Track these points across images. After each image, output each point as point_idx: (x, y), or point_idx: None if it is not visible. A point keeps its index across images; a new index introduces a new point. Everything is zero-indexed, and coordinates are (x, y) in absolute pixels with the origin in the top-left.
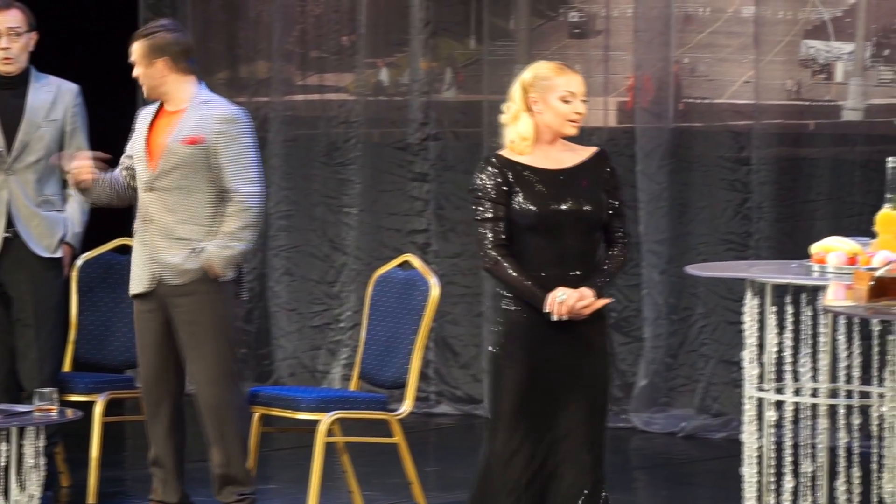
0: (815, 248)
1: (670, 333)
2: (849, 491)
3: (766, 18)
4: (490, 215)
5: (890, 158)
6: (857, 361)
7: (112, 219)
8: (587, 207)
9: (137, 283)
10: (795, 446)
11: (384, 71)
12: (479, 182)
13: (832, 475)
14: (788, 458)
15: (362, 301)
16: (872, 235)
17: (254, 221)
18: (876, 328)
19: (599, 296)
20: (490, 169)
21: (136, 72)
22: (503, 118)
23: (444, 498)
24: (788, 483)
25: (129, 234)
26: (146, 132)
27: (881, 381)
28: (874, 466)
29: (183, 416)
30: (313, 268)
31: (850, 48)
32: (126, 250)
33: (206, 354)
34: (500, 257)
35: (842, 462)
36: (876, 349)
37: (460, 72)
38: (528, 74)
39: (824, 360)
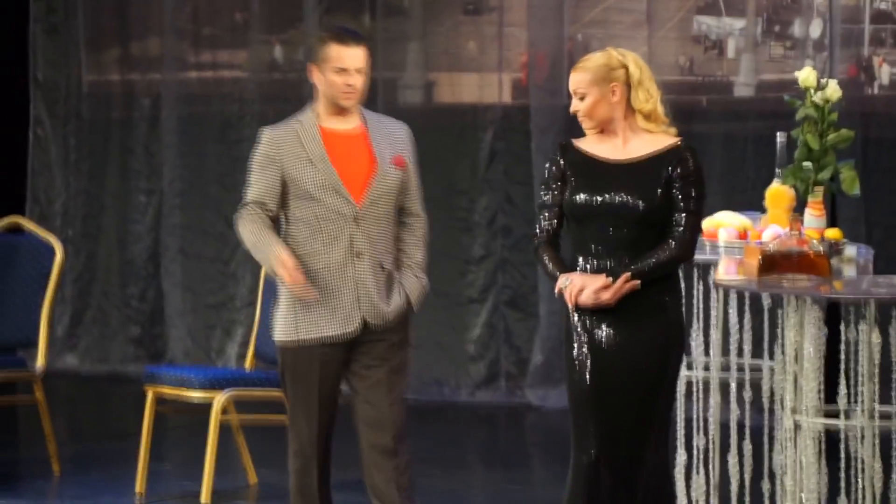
0: (707, 223)
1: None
2: (740, 465)
3: None
4: (542, 202)
5: (779, 133)
6: (748, 336)
7: (1, 198)
8: (633, 201)
9: (342, 324)
10: (688, 421)
11: (278, 48)
12: (545, 168)
13: (724, 449)
14: (681, 433)
15: (257, 280)
16: (764, 210)
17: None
18: (766, 303)
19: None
20: (553, 156)
21: (362, 79)
22: None
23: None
24: (681, 458)
25: (20, 212)
26: (328, 158)
27: (772, 355)
28: (765, 440)
29: None
30: (208, 246)
31: (742, 24)
32: (17, 230)
33: (398, 390)
34: (538, 246)
35: (733, 436)
36: (766, 324)
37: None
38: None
39: (716, 335)
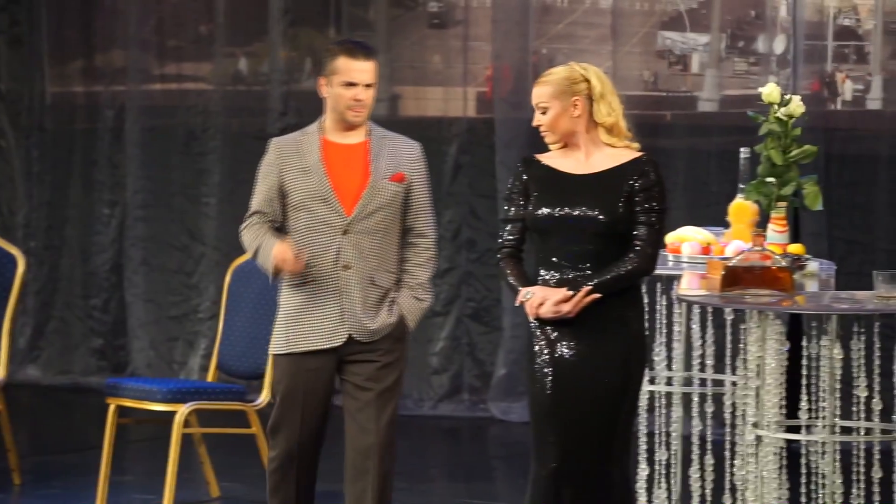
0: (670, 237)
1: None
2: (702, 478)
3: (623, 10)
4: (504, 216)
5: (742, 149)
6: (710, 350)
7: None
8: (594, 214)
9: (328, 337)
10: (650, 434)
11: (243, 60)
12: (508, 182)
13: (686, 463)
14: (643, 447)
15: (220, 292)
16: (727, 225)
17: (435, 270)
18: (729, 317)
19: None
20: (516, 170)
21: (371, 94)
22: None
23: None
24: (643, 471)
25: None
26: (323, 168)
27: (734, 369)
28: (727, 454)
29: None
30: (171, 258)
31: (706, 39)
32: None
33: (387, 412)
34: (501, 259)
35: (695, 450)
36: (729, 338)
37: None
38: None
39: (679, 349)
